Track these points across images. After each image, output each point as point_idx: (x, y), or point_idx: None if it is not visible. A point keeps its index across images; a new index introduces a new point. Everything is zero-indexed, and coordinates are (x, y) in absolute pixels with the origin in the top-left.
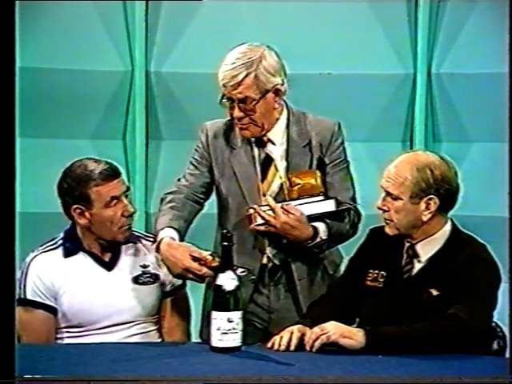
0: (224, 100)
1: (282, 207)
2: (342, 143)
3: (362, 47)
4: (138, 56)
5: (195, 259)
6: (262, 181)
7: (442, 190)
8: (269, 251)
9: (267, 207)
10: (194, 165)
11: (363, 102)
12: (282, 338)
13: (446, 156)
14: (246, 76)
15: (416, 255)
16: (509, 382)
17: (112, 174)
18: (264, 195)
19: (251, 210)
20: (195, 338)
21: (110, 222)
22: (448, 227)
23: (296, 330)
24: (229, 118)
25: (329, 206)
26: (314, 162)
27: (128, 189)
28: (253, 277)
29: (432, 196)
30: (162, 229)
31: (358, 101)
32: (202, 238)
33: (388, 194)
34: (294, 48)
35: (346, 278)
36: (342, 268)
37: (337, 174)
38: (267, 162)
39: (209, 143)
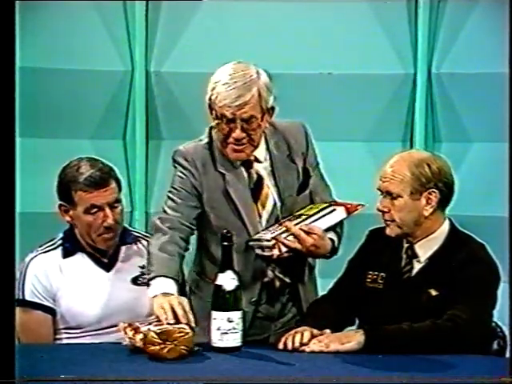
0: (221, 121)
1: (301, 229)
2: (313, 143)
3: (362, 47)
4: (138, 56)
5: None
6: (256, 202)
7: (440, 183)
8: (278, 272)
9: (286, 233)
10: (183, 195)
11: (363, 101)
12: (293, 336)
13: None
14: (252, 95)
15: (415, 255)
16: (509, 382)
17: (99, 182)
18: (260, 216)
19: (273, 241)
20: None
21: (89, 228)
22: (446, 226)
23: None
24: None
25: (341, 214)
26: (301, 173)
27: (118, 200)
28: (253, 299)
29: (432, 189)
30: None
31: (358, 101)
32: None
33: (387, 194)
34: (294, 48)
35: (346, 279)
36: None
37: (317, 176)
38: (259, 182)
39: (199, 172)
